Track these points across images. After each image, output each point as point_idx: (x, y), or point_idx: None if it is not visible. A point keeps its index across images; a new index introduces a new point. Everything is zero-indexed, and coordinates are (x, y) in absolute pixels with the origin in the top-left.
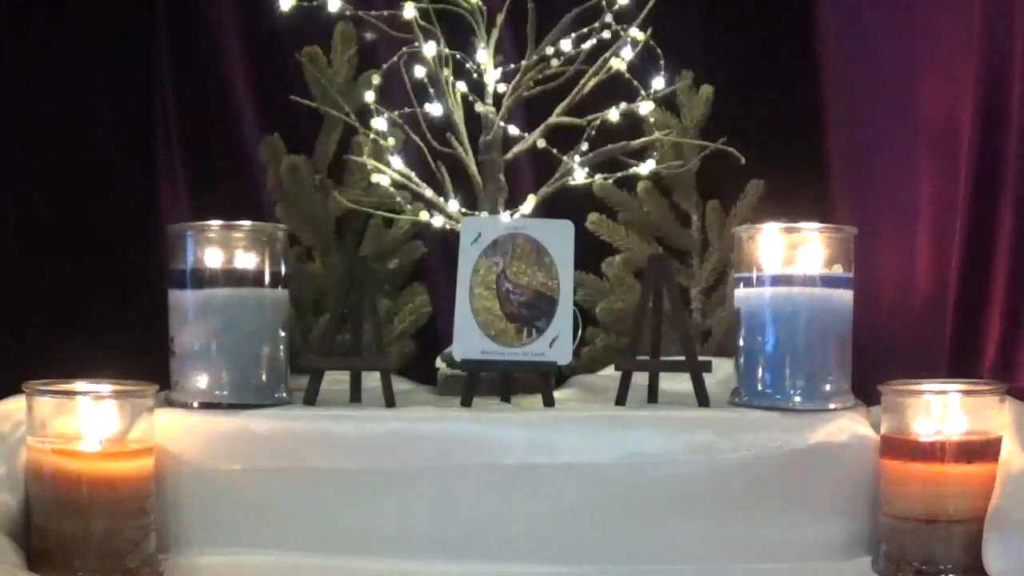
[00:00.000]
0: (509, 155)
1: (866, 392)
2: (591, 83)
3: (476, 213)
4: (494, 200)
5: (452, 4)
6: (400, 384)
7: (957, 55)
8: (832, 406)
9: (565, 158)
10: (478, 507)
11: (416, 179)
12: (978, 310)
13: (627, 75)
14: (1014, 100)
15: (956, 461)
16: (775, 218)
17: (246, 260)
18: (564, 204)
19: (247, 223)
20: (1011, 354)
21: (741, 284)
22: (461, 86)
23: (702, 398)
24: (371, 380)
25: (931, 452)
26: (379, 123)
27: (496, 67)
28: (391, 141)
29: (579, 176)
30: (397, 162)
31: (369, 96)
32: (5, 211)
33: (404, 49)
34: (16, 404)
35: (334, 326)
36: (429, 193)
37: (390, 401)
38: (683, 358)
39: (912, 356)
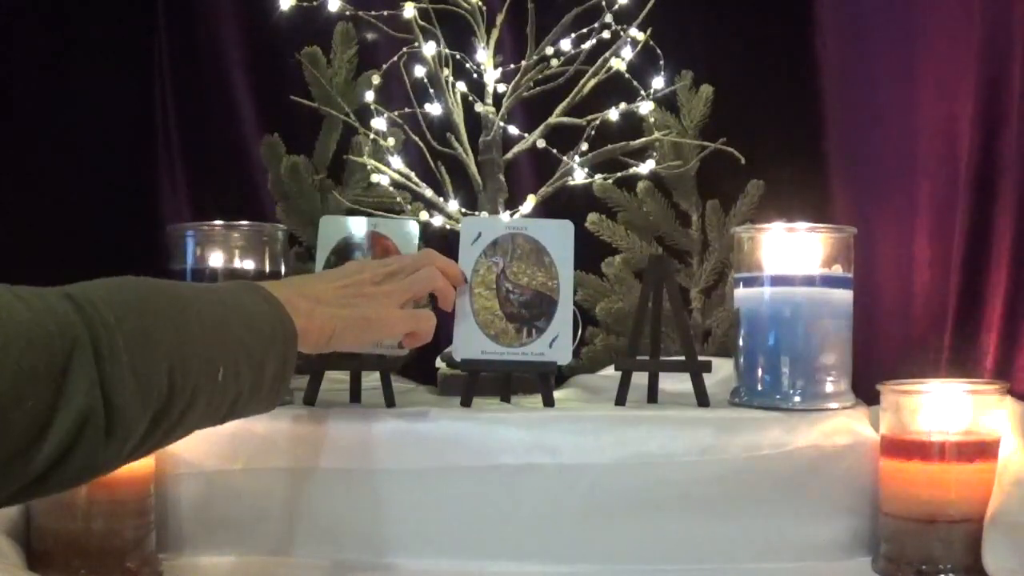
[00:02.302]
0: (509, 155)
1: (866, 392)
2: (591, 83)
3: (476, 213)
4: (494, 200)
5: (452, 4)
6: (400, 384)
7: (957, 55)
8: (832, 406)
9: (565, 158)
10: (478, 507)
11: (416, 179)
12: (978, 310)
13: (627, 75)
14: (1014, 100)
15: (956, 461)
16: (775, 218)
17: (246, 260)
18: (564, 204)
19: (247, 223)
20: (1011, 354)
21: (741, 284)
22: (461, 86)
23: (702, 398)
24: (371, 380)
25: (931, 452)
26: (379, 123)
27: (496, 67)
28: (391, 141)
29: (579, 176)
30: (397, 162)
31: (369, 96)
32: (4, 211)
33: (404, 49)
34: None
35: None
36: (429, 193)
37: (390, 401)
38: (683, 358)
39: (912, 356)
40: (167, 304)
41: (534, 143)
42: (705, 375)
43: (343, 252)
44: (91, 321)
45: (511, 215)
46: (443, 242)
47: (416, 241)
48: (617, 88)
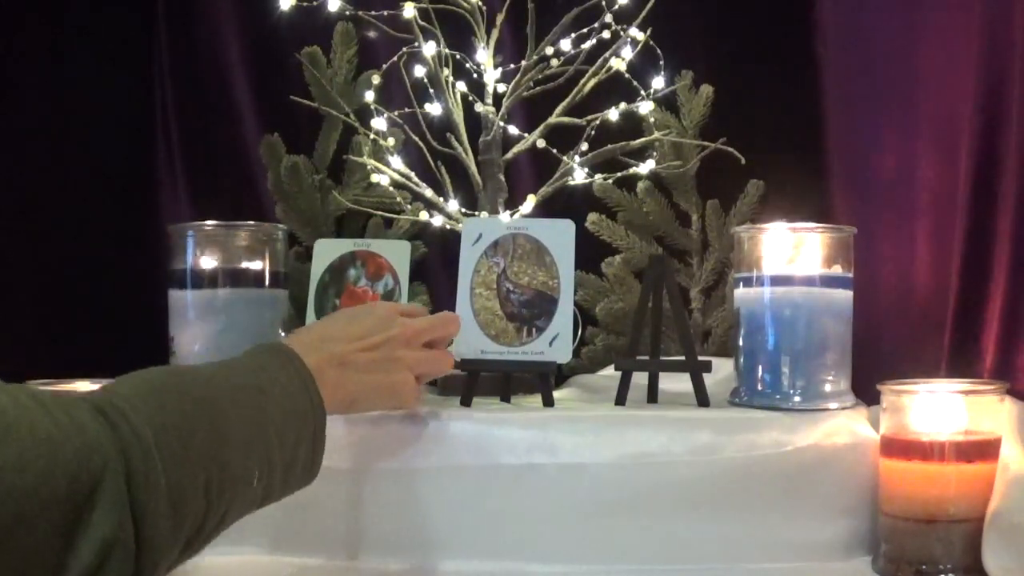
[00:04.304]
0: (509, 155)
1: (866, 392)
2: (591, 83)
3: (476, 213)
4: (494, 200)
5: (452, 4)
6: None
7: (957, 55)
8: (832, 406)
9: (565, 158)
10: (478, 507)
11: (416, 179)
12: (978, 310)
13: (627, 75)
14: (1014, 100)
15: (956, 461)
16: (775, 218)
17: (246, 260)
18: (564, 204)
19: (247, 223)
20: (1011, 354)
21: (741, 284)
22: (461, 86)
23: (702, 398)
24: None
25: (931, 452)
26: (379, 123)
27: (496, 67)
28: (391, 141)
29: (579, 176)
30: (397, 162)
31: (369, 96)
32: (3, 211)
33: (404, 49)
34: None
35: None
36: (429, 193)
37: None
38: (683, 358)
39: (912, 356)
40: (208, 413)
41: (534, 143)
42: (705, 375)
43: (337, 269)
44: (126, 443)
45: (511, 215)
46: (443, 242)
47: (408, 259)
48: (617, 88)
